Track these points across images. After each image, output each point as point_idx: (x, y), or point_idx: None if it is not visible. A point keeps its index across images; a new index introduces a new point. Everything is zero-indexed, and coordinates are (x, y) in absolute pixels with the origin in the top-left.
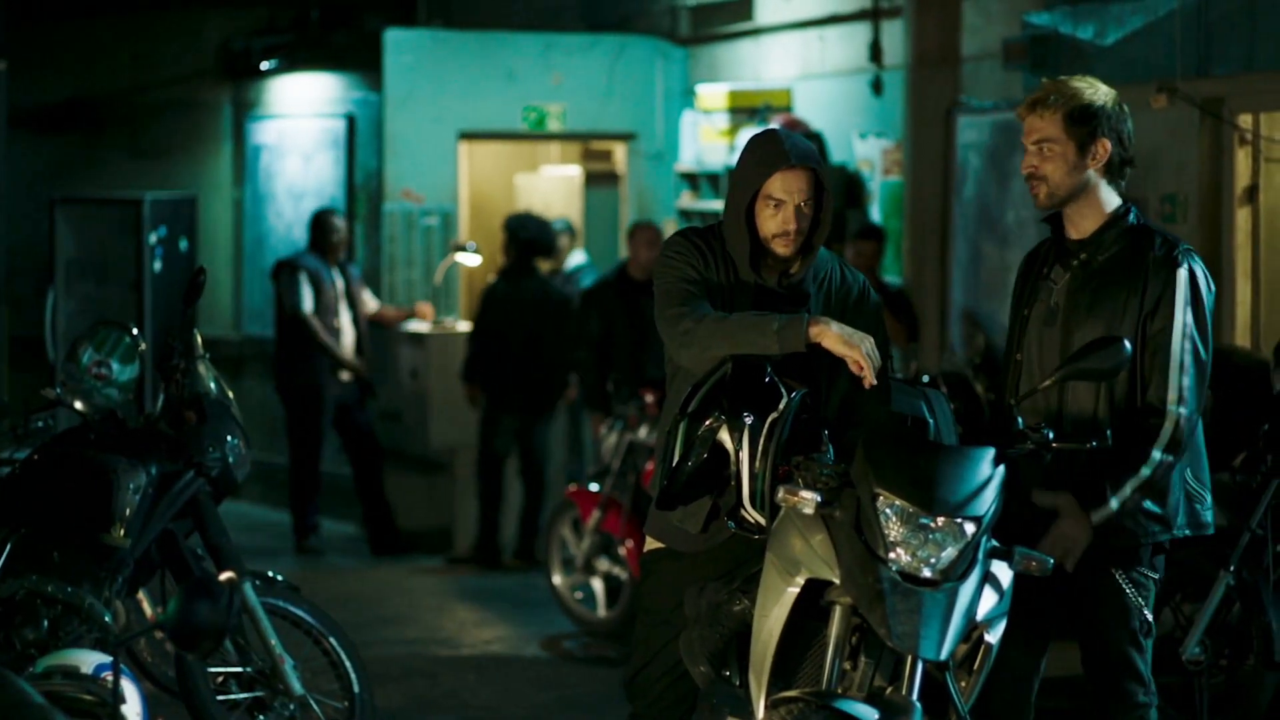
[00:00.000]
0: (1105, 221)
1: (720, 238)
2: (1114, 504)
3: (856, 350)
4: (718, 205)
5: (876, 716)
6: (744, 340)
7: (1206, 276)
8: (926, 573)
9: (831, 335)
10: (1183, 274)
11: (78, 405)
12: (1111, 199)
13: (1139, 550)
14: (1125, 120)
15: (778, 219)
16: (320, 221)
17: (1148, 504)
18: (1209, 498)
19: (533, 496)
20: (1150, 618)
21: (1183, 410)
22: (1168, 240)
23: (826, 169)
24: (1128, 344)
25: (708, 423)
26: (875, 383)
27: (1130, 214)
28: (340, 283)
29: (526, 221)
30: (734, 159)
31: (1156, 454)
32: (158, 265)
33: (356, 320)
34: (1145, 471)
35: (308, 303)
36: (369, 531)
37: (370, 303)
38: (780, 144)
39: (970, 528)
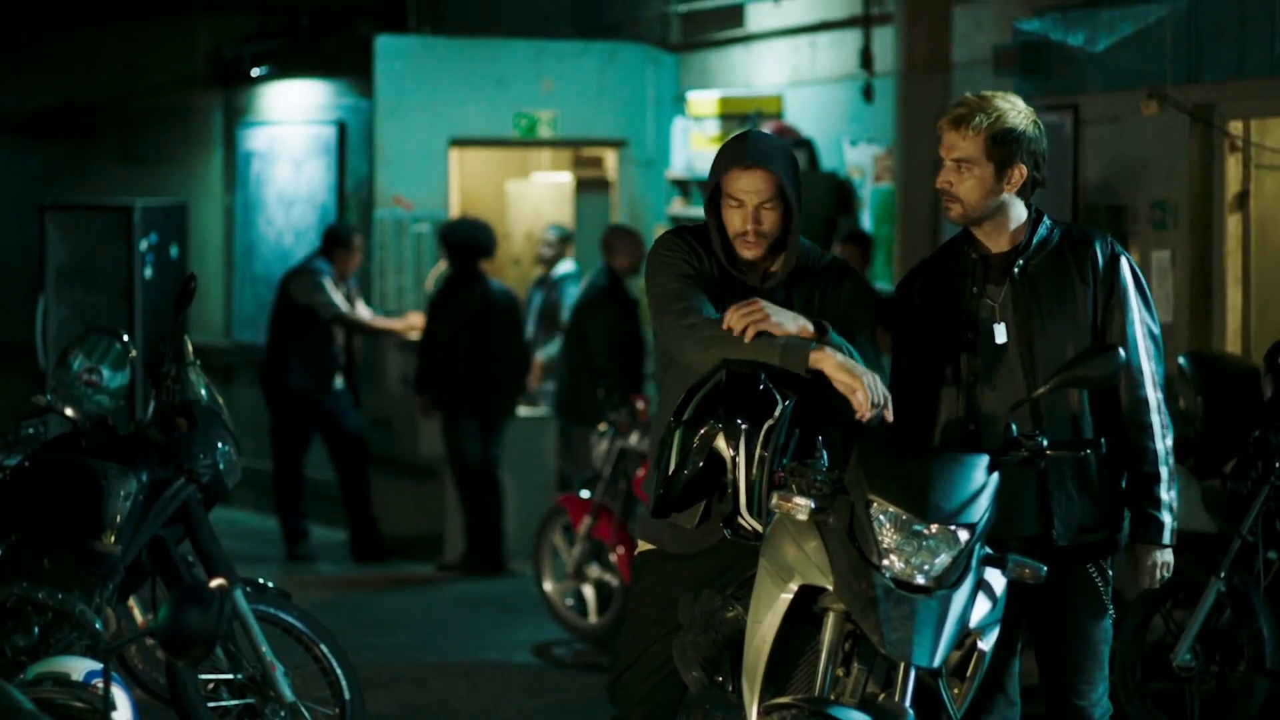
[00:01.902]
0: (1026, 229)
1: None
2: (1167, 517)
3: (858, 382)
4: None
5: None
6: (747, 354)
7: (1134, 261)
8: (920, 580)
9: (833, 366)
10: (1124, 267)
11: (68, 412)
12: (1021, 212)
13: (1105, 545)
14: (1042, 140)
15: (737, 218)
16: (341, 236)
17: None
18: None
19: (492, 504)
20: (1110, 622)
21: (1160, 395)
22: (1097, 235)
23: (791, 171)
24: (1122, 351)
25: (703, 430)
26: (868, 418)
27: (1044, 217)
28: (341, 294)
29: (456, 226)
30: None
31: (1160, 447)
32: (148, 272)
33: (349, 330)
34: (1164, 471)
35: (342, 303)
36: (352, 536)
37: (364, 312)
38: (743, 143)
39: (964, 535)
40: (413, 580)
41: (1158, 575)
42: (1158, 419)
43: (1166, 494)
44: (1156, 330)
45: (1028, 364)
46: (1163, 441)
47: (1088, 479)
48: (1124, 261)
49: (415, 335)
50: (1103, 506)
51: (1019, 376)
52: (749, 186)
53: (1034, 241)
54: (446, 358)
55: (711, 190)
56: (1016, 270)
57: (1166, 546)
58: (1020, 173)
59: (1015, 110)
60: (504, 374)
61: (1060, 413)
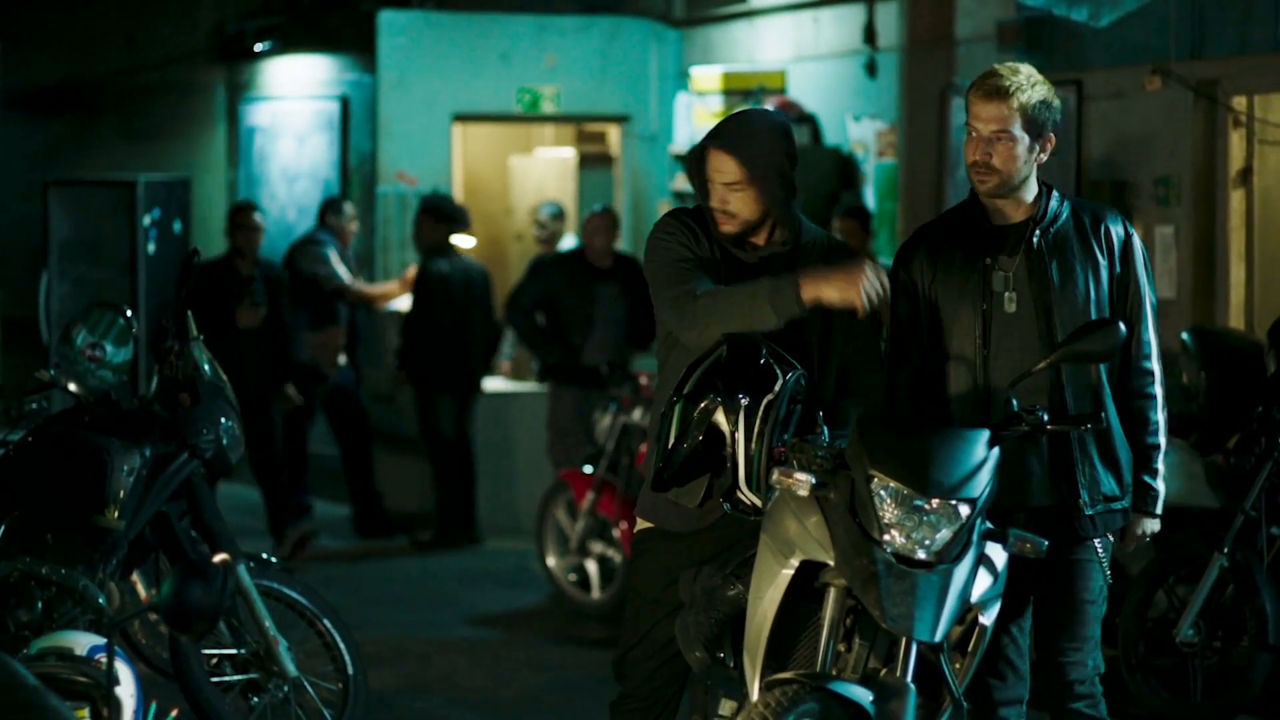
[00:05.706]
0: (1039, 201)
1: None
2: (1161, 487)
3: (855, 290)
4: None
5: (871, 698)
6: (740, 315)
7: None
8: (921, 554)
9: (825, 288)
10: (1137, 242)
11: (72, 387)
12: (1034, 184)
13: (1105, 519)
14: (1061, 111)
15: (713, 196)
16: (333, 203)
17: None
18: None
19: (466, 477)
20: (1105, 589)
21: (1160, 367)
22: (1109, 210)
23: (769, 155)
24: (1122, 325)
25: (703, 404)
26: (874, 303)
27: (1053, 190)
28: (344, 266)
29: (435, 200)
30: None
31: (1161, 418)
32: (151, 247)
33: (351, 303)
34: (1163, 441)
35: (344, 275)
36: (355, 512)
37: (361, 284)
38: (724, 123)
39: (965, 510)
40: (414, 555)
41: (1144, 541)
42: (1160, 391)
43: (1162, 464)
44: (1155, 303)
45: (1045, 334)
46: (1163, 412)
47: (1110, 449)
48: (1136, 238)
49: (409, 284)
50: (1125, 476)
51: (1034, 347)
52: (717, 167)
53: (1046, 211)
54: (426, 330)
55: (695, 168)
56: (1035, 240)
57: (1156, 516)
58: (1050, 142)
59: (1043, 80)
60: (478, 350)
61: (1081, 383)
